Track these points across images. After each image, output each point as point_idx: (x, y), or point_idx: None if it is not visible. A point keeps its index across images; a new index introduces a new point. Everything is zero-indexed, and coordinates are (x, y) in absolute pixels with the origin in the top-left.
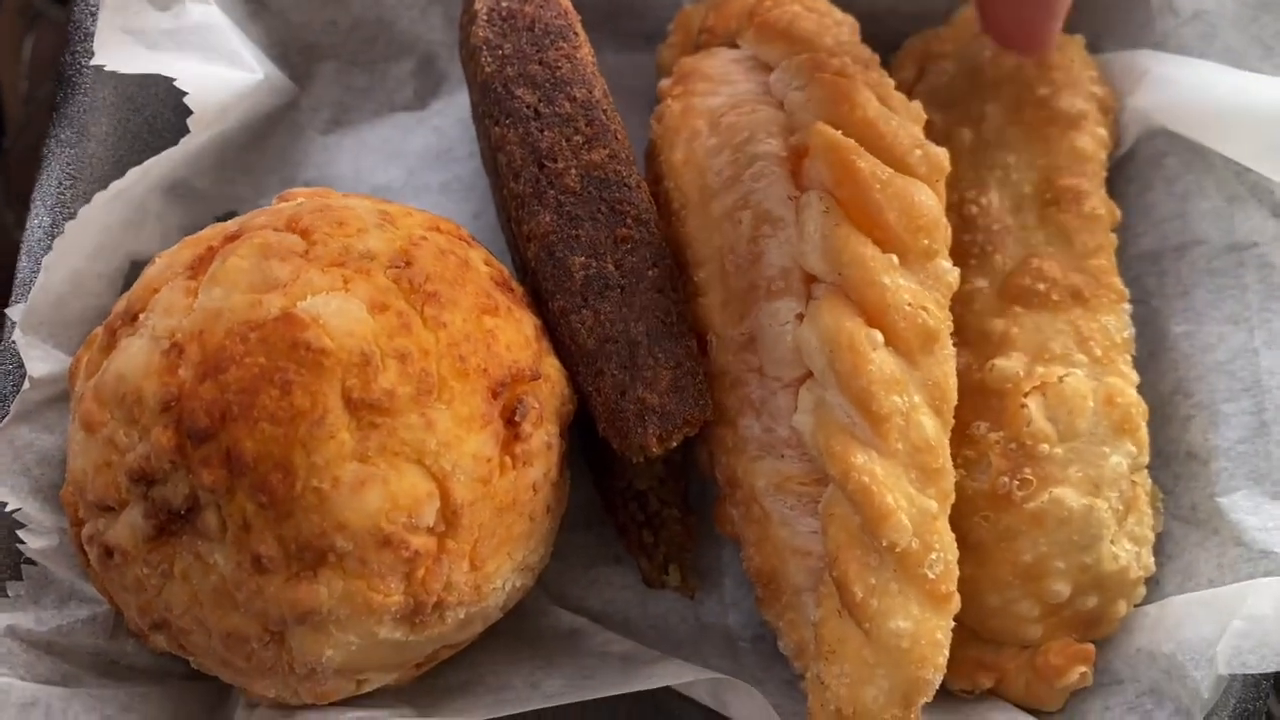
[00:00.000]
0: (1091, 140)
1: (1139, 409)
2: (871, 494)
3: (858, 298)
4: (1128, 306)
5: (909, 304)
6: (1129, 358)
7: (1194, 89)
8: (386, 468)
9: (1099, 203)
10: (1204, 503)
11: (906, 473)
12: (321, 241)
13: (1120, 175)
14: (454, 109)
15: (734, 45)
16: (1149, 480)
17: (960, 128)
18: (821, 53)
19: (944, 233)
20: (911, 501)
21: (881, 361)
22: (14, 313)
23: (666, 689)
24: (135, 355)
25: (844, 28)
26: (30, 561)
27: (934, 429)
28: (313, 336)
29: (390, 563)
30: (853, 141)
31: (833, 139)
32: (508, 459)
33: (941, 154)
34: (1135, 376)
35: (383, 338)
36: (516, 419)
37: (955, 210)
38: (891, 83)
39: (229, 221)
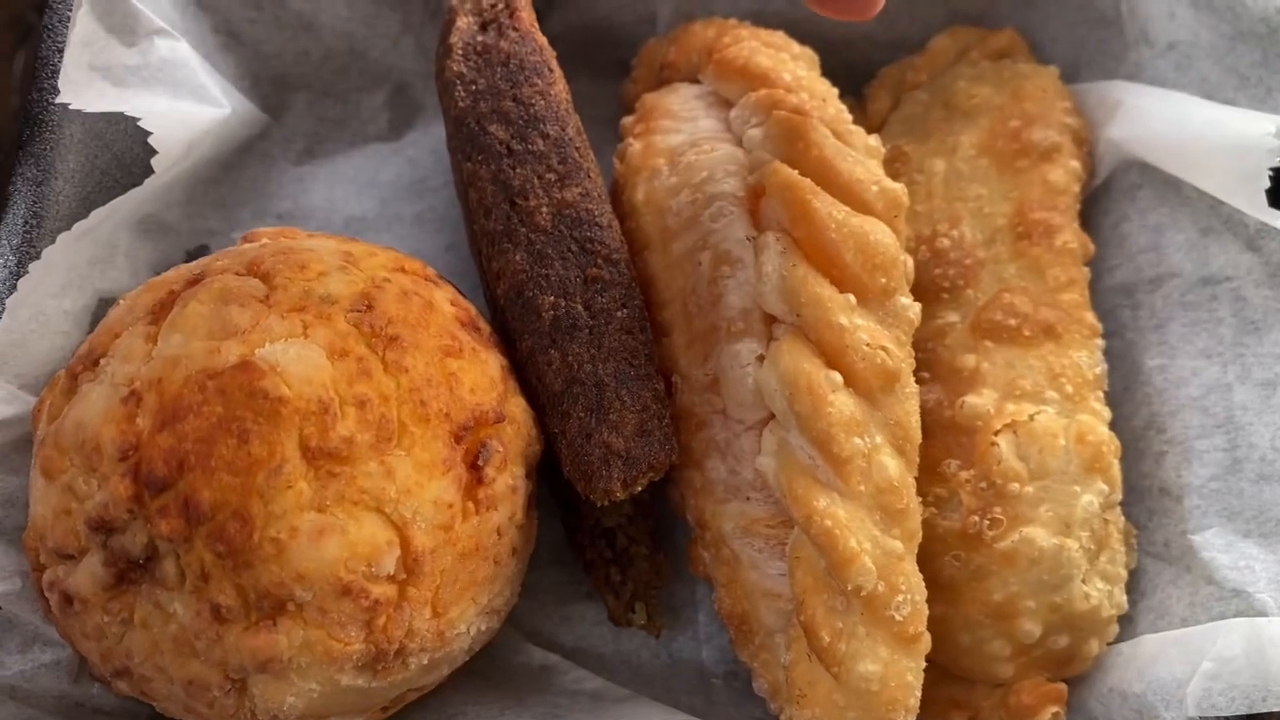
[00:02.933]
0: (1064, 173)
1: (1111, 446)
2: (835, 538)
3: (816, 339)
4: (1100, 342)
5: (867, 344)
6: (1101, 394)
7: (1168, 121)
8: (345, 517)
9: (1071, 236)
10: (1176, 540)
11: (870, 515)
12: (282, 286)
13: (1095, 207)
14: (428, 139)
15: (696, 80)
16: (1121, 517)
17: (934, 158)
18: (779, 89)
19: (902, 270)
20: (876, 544)
21: (841, 403)
22: None
23: None
24: (95, 402)
25: (802, 61)
26: None
27: (897, 469)
28: (270, 385)
29: (350, 611)
30: (808, 181)
31: (788, 178)
32: (470, 504)
33: (899, 190)
34: (1107, 413)
35: (342, 384)
36: (480, 463)
37: (928, 243)
38: (849, 117)
39: (192, 264)
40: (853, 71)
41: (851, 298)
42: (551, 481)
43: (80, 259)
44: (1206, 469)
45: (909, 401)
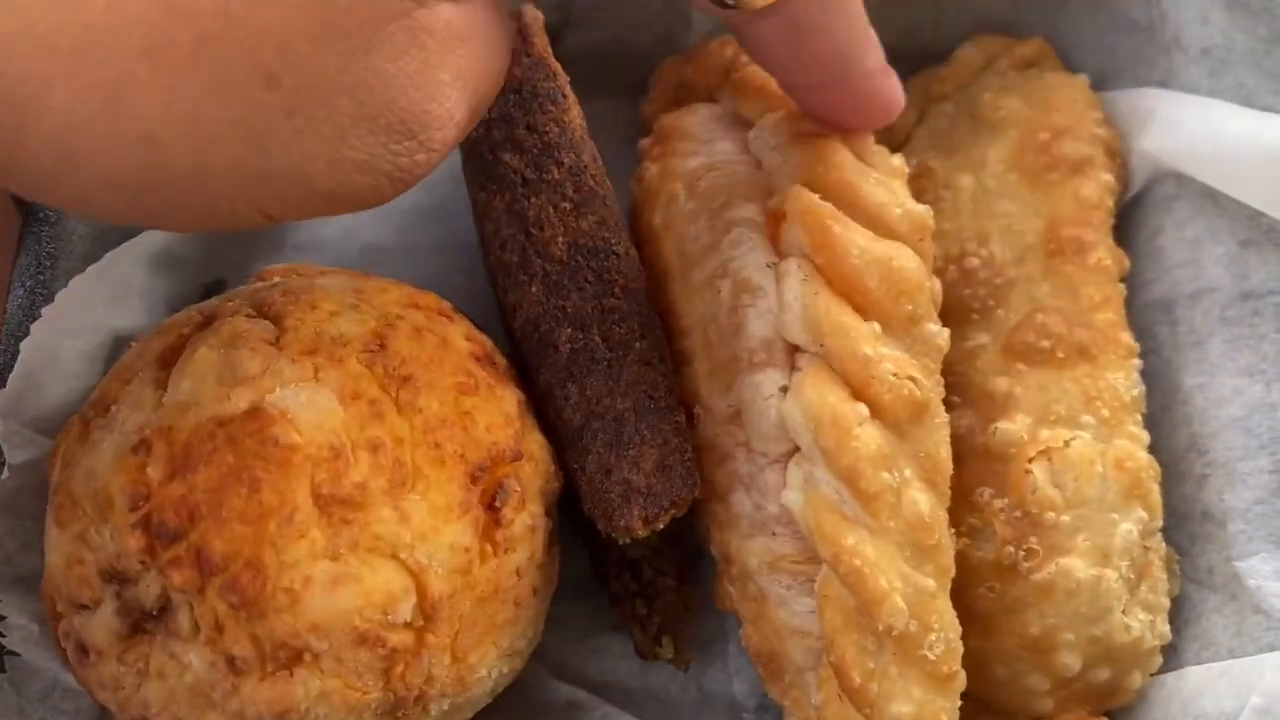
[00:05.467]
0: (1096, 187)
1: (1150, 472)
2: (864, 577)
3: (840, 370)
4: (1137, 362)
5: (894, 374)
6: (1139, 417)
7: (1204, 129)
8: (359, 564)
9: (1105, 253)
10: (1221, 566)
11: (901, 551)
12: (293, 328)
13: (1129, 220)
14: (445, 165)
15: (714, 100)
16: (1163, 543)
17: (961, 174)
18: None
19: (928, 295)
20: (907, 581)
21: (868, 437)
22: None
23: None
24: (105, 451)
25: None
26: (12, 652)
27: (928, 504)
28: (280, 432)
29: (367, 660)
30: (829, 205)
31: (809, 203)
32: (488, 546)
33: (924, 213)
34: (1145, 436)
35: (354, 428)
36: (497, 504)
37: (956, 263)
38: (871, 137)
39: (204, 304)
40: None
41: (876, 326)
42: (576, 512)
43: (95, 298)
44: (1251, 492)
45: (938, 432)
